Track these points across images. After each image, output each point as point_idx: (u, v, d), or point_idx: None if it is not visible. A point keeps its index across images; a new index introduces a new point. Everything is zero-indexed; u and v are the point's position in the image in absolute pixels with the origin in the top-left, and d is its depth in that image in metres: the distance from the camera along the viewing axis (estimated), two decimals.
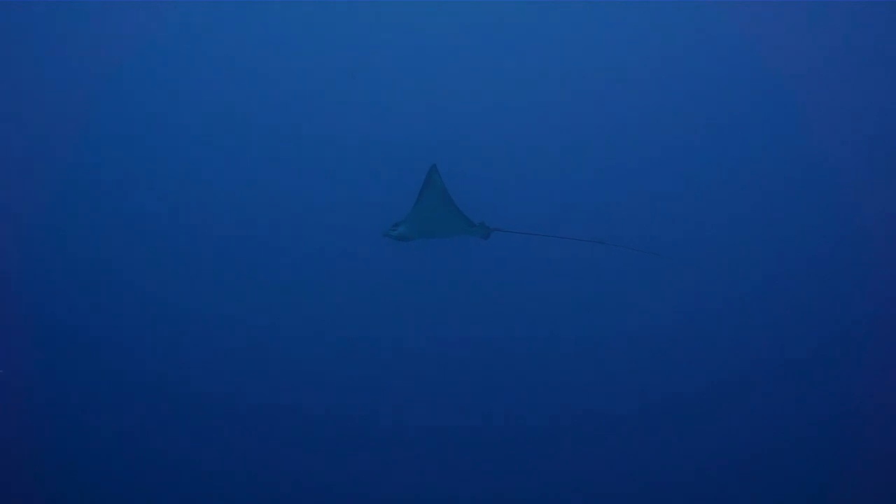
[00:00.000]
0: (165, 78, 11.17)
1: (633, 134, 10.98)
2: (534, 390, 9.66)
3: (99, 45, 10.92)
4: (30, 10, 10.78)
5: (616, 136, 11.00)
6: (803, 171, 10.85)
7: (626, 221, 10.40)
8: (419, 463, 9.34)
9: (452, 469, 9.35)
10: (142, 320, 10.16)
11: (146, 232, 10.63)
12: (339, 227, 10.50)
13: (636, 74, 11.05)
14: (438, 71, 11.10)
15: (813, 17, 10.73)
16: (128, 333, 10.10)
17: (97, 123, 10.95)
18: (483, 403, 9.59)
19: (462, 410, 9.52)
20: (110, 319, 10.15)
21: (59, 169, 10.77)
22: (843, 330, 10.05)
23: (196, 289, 10.32)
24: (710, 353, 9.96)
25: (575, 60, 11.15)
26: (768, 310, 10.15)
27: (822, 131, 10.93)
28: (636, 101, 11.03)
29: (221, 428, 9.59)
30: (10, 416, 9.45)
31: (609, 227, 10.15)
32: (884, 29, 10.67)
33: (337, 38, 11.17)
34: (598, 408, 9.58)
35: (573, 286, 10.11)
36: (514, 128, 10.93)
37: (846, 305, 10.15)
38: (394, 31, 11.14)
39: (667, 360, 9.84)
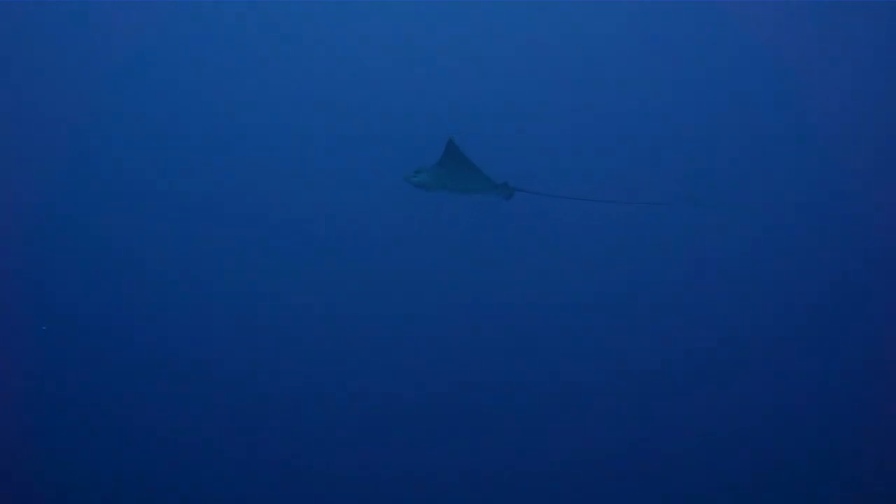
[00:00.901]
0: (174, 60, 11.20)
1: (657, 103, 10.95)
2: (553, 355, 9.59)
3: (102, 38, 11.00)
4: (33, 8, 10.89)
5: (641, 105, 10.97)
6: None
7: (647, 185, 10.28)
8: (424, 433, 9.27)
9: (468, 435, 9.26)
10: (144, 310, 10.02)
11: (152, 215, 10.55)
12: (358, 197, 10.50)
13: (661, 43, 11.08)
14: (464, 36, 11.13)
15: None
16: (128, 325, 9.91)
17: (101, 116, 10.87)
18: (498, 371, 9.52)
19: (478, 379, 9.46)
20: (114, 311, 9.98)
21: (63, 164, 10.74)
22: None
23: (208, 261, 10.27)
24: (736, 311, 9.86)
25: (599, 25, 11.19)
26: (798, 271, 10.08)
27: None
28: (663, 66, 11.02)
29: (239, 412, 9.45)
30: (14, 412, 9.34)
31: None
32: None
33: (358, 4, 11.23)
34: (622, 369, 9.47)
35: (597, 251, 10.06)
36: (540, 93, 10.93)
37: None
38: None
39: (689, 324, 9.78)
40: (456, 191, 6.96)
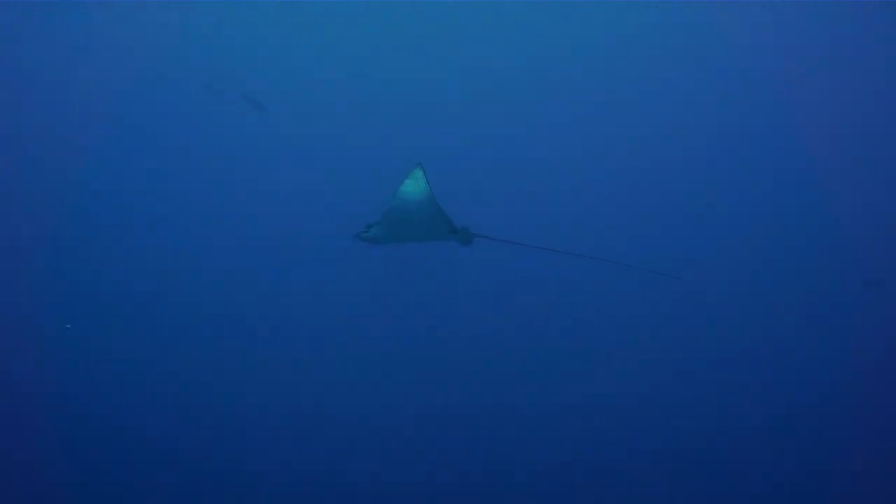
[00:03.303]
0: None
1: (629, 142, 10.72)
2: (509, 409, 9.42)
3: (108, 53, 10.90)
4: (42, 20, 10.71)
5: (611, 144, 10.73)
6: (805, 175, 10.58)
7: (620, 233, 10.13)
8: None
9: None
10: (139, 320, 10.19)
11: (140, 234, 10.72)
12: (320, 229, 10.27)
13: (630, 77, 10.80)
14: (431, 72, 10.92)
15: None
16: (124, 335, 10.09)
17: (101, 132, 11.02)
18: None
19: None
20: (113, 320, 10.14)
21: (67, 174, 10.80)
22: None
23: (183, 290, 10.35)
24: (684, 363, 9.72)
25: (568, 62, 10.94)
26: (738, 321, 9.90)
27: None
28: (632, 108, 10.79)
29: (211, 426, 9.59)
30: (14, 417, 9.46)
31: (602, 238, 9.88)
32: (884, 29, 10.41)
33: (327, 39, 11.04)
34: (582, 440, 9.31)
35: (558, 300, 9.83)
36: (506, 132, 10.72)
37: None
38: (382, 31, 10.99)
39: (646, 377, 9.59)
40: (410, 239, 6.49)
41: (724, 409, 9.66)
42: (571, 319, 9.93)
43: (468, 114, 10.74)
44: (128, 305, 10.26)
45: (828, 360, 9.86)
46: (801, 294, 10.08)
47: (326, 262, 9.86)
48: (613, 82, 10.87)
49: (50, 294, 10.22)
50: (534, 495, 9.40)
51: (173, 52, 11.10)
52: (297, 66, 10.91)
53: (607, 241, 9.93)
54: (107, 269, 10.43)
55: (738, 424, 9.59)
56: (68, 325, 9.85)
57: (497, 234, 6.49)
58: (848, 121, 10.61)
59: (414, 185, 6.02)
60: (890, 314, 10.00)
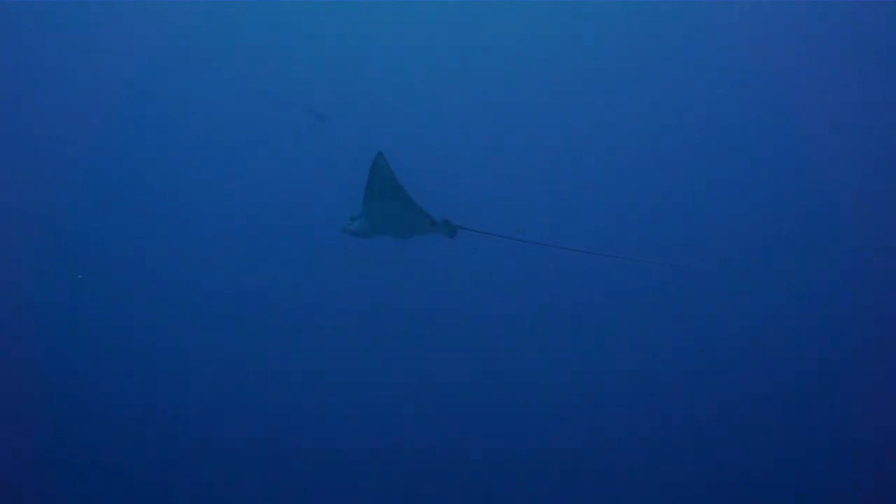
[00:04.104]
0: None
1: (613, 134, 10.68)
2: (498, 406, 9.40)
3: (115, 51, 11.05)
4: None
5: (596, 137, 10.71)
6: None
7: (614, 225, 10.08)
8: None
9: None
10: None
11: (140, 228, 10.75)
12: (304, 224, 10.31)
13: (617, 74, 10.77)
14: (410, 66, 10.96)
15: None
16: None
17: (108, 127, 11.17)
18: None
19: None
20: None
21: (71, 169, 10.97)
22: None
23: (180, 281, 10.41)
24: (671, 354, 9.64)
25: (555, 58, 10.94)
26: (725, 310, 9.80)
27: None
28: (616, 100, 10.75)
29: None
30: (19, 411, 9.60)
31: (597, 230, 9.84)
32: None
33: (312, 36, 11.12)
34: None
35: (544, 292, 9.81)
36: (488, 125, 10.74)
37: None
38: (365, 26, 11.06)
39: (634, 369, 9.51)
40: (394, 233, 6.56)
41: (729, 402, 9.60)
42: (561, 312, 9.88)
43: (458, 108, 10.78)
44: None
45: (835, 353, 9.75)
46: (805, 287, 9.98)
47: (313, 255, 9.92)
48: (604, 76, 10.86)
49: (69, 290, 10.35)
50: (530, 495, 9.38)
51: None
52: (292, 61, 11.00)
53: (602, 234, 9.92)
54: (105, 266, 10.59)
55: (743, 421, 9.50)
56: (80, 276, 9.88)
57: (483, 226, 6.54)
58: (859, 114, 10.49)
59: (379, 175, 6.00)
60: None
